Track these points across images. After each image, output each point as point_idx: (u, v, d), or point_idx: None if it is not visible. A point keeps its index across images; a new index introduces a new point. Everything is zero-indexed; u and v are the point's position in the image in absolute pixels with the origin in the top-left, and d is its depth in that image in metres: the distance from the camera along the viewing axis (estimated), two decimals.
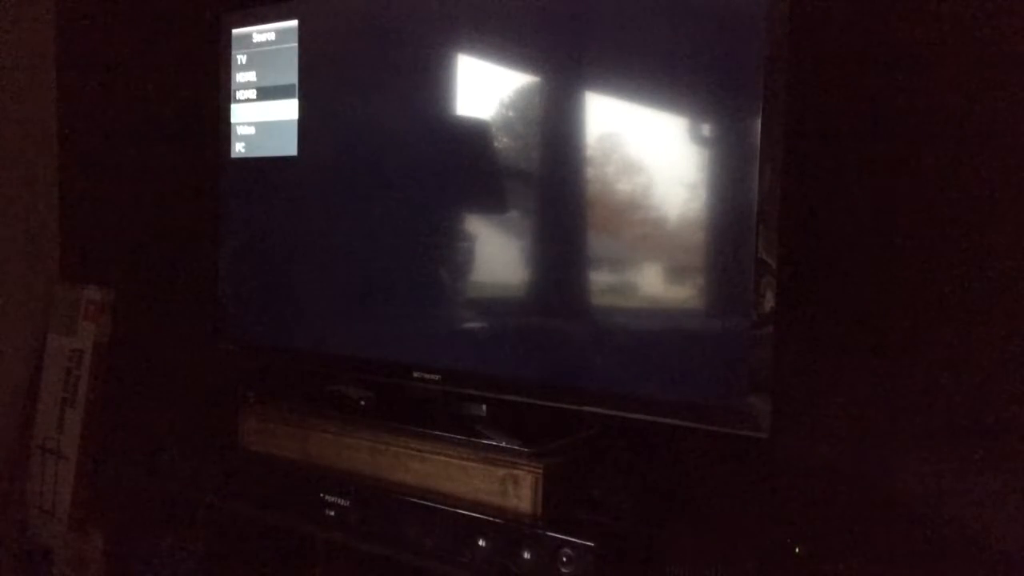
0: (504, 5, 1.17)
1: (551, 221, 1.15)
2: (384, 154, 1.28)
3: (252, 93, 1.44)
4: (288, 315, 1.42)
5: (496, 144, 1.18)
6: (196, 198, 1.67)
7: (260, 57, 1.42)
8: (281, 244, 1.42)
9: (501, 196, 1.20)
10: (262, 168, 1.43)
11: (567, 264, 1.14)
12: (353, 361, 1.33)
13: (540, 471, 1.05)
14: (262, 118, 1.42)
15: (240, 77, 1.45)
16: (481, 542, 1.05)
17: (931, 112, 1.07)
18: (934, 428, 1.08)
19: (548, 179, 1.15)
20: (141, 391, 1.85)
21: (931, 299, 1.08)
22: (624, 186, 1.08)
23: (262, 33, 1.41)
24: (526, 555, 1.01)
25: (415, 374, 1.24)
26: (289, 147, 1.38)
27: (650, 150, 1.06)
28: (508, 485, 1.08)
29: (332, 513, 1.19)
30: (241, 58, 1.45)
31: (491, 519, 1.06)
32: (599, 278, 1.13)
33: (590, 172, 1.10)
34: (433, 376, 1.22)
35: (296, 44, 1.37)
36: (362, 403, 1.30)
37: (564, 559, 0.98)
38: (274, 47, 1.40)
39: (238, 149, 1.46)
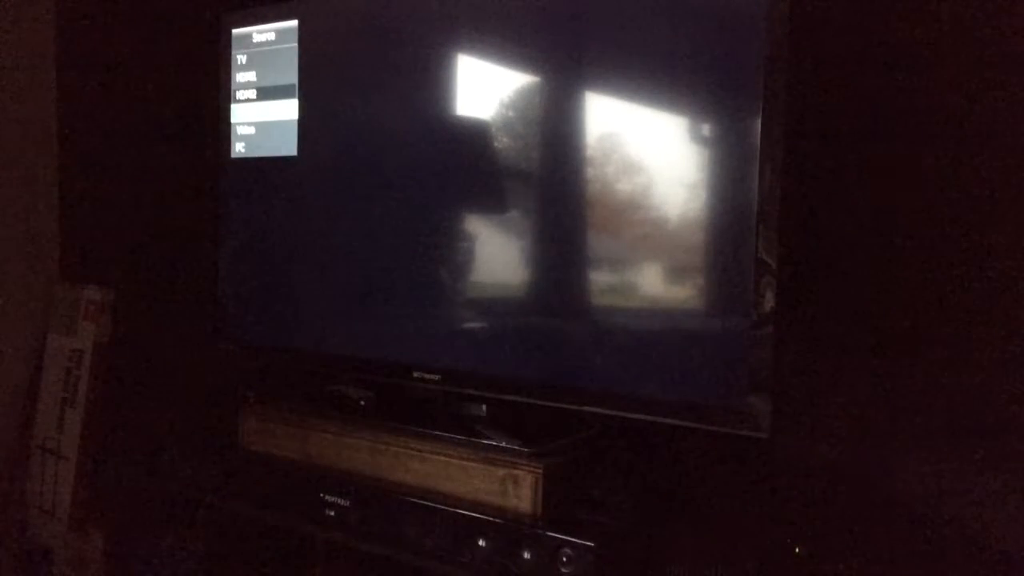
0: (504, 5, 1.17)
1: (551, 221, 1.15)
2: (384, 154, 1.28)
3: (252, 93, 1.44)
4: (288, 315, 1.42)
5: (496, 144, 1.18)
6: (196, 198, 1.67)
7: (260, 57, 1.42)
8: (281, 244, 1.42)
9: (501, 196, 1.20)
10: (262, 168, 1.43)
11: (567, 264, 1.14)
12: (353, 361, 1.33)
13: (540, 471, 1.05)
14: (262, 118, 1.42)
15: (240, 77, 1.45)
16: (481, 542, 1.05)
17: (931, 112, 1.07)
18: (934, 428, 1.08)
19: (548, 179, 1.15)
20: (141, 391, 1.85)
21: (931, 299, 1.07)
22: (624, 186, 1.08)
23: (262, 33, 1.41)
24: (526, 555, 1.01)
25: (415, 374, 1.24)
26: (289, 147, 1.38)
27: (650, 150, 1.06)
28: (508, 485, 1.08)
29: (332, 513, 1.19)
30: (241, 58, 1.45)
31: (491, 519, 1.06)
32: (599, 278, 1.13)
33: (590, 172, 1.10)
34: (433, 376, 1.22)
35: (296, 44, 1.37)
36: (362, 403, 1.30)
37: (564, 559, 0.98)
38: (274, 47, 1.40)
39: (238, 149, 1.46)
